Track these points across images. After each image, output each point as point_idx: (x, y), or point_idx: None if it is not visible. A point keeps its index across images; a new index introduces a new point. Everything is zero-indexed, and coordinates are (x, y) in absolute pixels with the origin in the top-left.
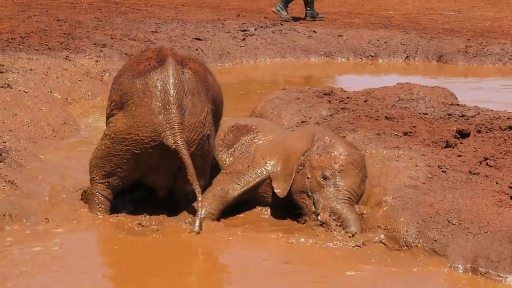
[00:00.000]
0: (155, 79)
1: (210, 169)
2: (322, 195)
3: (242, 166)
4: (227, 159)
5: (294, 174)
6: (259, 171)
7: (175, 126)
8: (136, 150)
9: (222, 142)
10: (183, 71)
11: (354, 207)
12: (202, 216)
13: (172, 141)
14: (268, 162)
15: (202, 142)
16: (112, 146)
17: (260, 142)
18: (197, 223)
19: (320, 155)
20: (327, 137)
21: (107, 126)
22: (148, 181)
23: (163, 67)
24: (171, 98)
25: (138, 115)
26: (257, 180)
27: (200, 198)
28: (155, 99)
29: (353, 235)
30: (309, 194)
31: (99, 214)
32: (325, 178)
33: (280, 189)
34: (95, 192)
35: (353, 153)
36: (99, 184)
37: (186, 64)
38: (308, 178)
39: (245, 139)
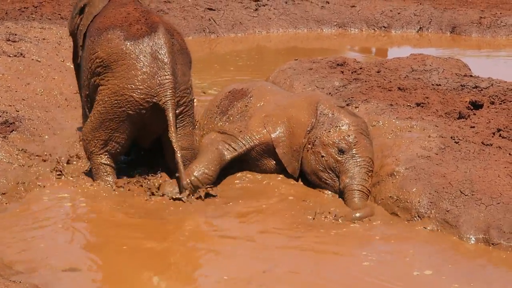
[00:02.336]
0: (149, 44)
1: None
2: (344, 170)
3: (237, 129)
4: (222, 124)
5: (301, 150)
6: (255, 136)
7: (168, 89)
8: (131, 111)
9: (218, 108)
10: (172, 42)
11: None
12: (193, 179)
13: (163, 101)
14: (272, 133)
15: (189, 105)
16: (106, 111)
17: (258, 106)
18: (181, 192)
19: (329, 131)
20: (329, 111)
21: (91, 88)
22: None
23: (156, 34)
24: (166, 65)
25: (132, 77)
26: (251, 144)
27: (179, 155)
28: (148, 63)
29: None
30: (328, 171)
31: (108, 183)
32: (341, 152)
33: (291, 169)
34: (98, 164)
35: (359, 123)
36: (100, 155)
37: (173, 34)
38: (323, 156)
39: (240, 104)
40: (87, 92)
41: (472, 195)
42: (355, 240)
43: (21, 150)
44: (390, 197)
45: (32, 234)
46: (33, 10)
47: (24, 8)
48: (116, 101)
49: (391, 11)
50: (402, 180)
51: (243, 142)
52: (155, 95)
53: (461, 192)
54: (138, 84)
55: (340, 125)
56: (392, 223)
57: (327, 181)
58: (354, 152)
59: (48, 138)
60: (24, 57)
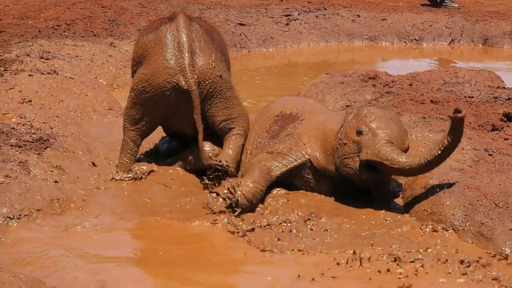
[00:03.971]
0: (166, 30)
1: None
2: (362, 148)
3: (284, 148)
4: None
5: (334, 152)
6: (300, 153)
7: (186, 68)
8: (155, 95)
9: (267, 133)
10: (190, 23)
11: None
12: (240, 194)
13: (184, 81)
14: (308, 145)
15: (216, 81)
16: (136, 96)
17: (303, 127)
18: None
19: (351, 121)
20: (356, 109)
21: None
22: (174, 127)
23: (173, 20)
24: (181, 45)
25: (153, 63)
26: (298, 161)
27: (201, 135)
28: (167, 47)
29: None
30: (351, 156)
31: (126, 160)
32: (360, 133)
33: (325, 171)
34: (127, 138)
35: (384, 110)
36: (130, 131)
37: (194, 19)
38: (345, 144)
39: (290, 127)
40: None
41: (507, 207)
42: None
43: (56, 166)
44: (424, 210)
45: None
46: (66, 28)
47: (57, 26)
48: (142, 88)
49: (422, 23)
50: (436, 193)
51: (293, 158)
52: (174, 75)
53: (495, 204)
54: (158, 68)
55: (361, 113)
56: None
57: (352, 167)
58: (372, 130)
59: (82, 154)
60: (57, 74)
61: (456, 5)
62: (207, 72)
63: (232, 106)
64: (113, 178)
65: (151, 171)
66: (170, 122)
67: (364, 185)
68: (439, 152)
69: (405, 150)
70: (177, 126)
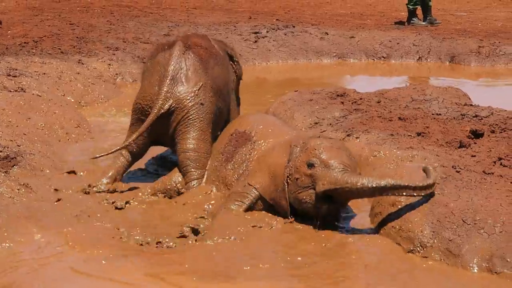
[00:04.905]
0: (160, 58)
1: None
2: (317, 181)
3: (241, 185)
4: (228, 175)
5: (286, 188)
6: (253, 193)
7: (161, 94)
8: (142, 116)
9: (222, 155)
10: (184, 52)
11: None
12: None
13: (154, 105)
14: (258, 185)
15: (195, 108)
16: (131, 117)
17: (259, 153)
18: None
19: (300, 155)
20: (301, 140)
21: None
22: (163, 144)
23: (170, 49)
24: (167, 73)
25: (142, 87)
26: (254, 201)
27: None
28: (156, 74)
29: None
30: (305, 190)
31: (112, 171)
32: (311, 166)
33: (281, 210)
34: (118, 153)
35: (329, 140)
36: (125, 147)
37: (192, 48)
38: (297, 178)
39: (244, 150)
40: None
41: (475, 224)
42: None
43: (23, 184)
44: (392, 227)
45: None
46: (33, 45)
47: (25, 43)
48: (134, 110)
49: (390, 41)
50: (404, 210)
51: (250, 196)
52: (152, 101)
53: (463, 221)
54: (144, 93)
55: (309, 145)
56: None
57: (307, 201)
58: (324, 162)
59: (49, 172)
60: (24, 91)
61: (424, 23)
62: (187, 98)
63: (201, 141)
64: (89, 185)
65: (130, 189)
66: (160, 143)
67: (320, 215)
68: (403, 185)
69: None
70: (164, 144)
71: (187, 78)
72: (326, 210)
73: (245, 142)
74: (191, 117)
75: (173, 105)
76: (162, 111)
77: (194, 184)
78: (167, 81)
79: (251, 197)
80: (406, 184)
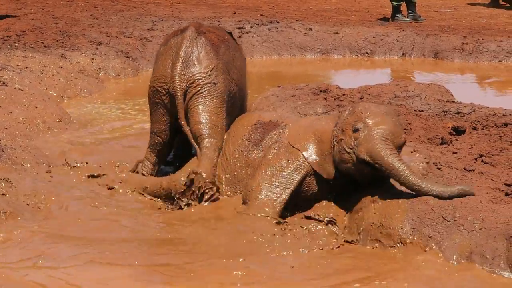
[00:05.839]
0: (173, 42)
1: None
2: (358, 146)
3: (281, 164)
4: (258, 156)
5: (332, 151)
6: (298, 163)
7: (175, 76)
8: (159, 101)
9: (248, 141)
10: (197, 37)
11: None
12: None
13: (171, 88)
14: (304, 152)
15: (206, 86)
16: (149, 106)
17: (290, 133)
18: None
19: (347, 118)
20: (350, 105)
21: None
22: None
23: (182, 33)
24: (178, 55)
25: (156, 71)
26: (300, 174)
27: (189, 133)
28: (168, 57)
29: None
30: (348, 152)
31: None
32: (356, 130)
33: (325, 173)
34: (144, 159)
35: (379, 105)
36: (148, 150)
37: (204, 33)
38: (342, 139)
39: (274, 134)
40: None
41: (455, 221)
42: None
43: (3, 179)
44: (373, 223)
45: None
46: (16, 39)
47: (7, 36)
48: (150, 95)
49: (374, 37)
50: (385, 206)
51: (294, 173)
52: (166, 83)
53: (443, 218)
54: (157, 76)
55: (357, 109)
56: None
57: (350, 163)
58: (368, 127)
59: (30, 167)
60: (6, 85)
61: (408, 19)
62: (200, 78)
63: (213, 115)
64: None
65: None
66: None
67: (365, 180)
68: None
69: (402, 145)
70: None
71: (199, 60)
72: (369, 175)
73: (274, 128)
74: (203, 94)
75: (187, 86)
76: (183, 91)
77: (207, 146)
78: (179, 63)
79: (296, 161)
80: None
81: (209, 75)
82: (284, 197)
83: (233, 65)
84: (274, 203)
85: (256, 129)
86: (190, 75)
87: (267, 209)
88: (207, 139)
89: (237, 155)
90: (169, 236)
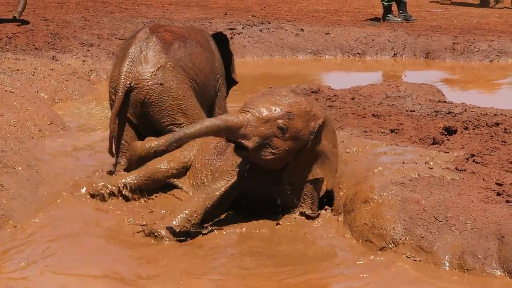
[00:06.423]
0: (125, 44)
1: None
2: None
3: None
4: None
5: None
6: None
7: (120, 74)
8: (111, 100)
9: (214, 149)
10: (148, 37)
11: None
12: None
13: (115, 85)
14: None
15: (154, 89)
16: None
17: None
18: None
19: None
20: None
21: None
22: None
23: (136, 34)
24: (127, 54)
25: (110, 72)
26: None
27: (110, 137)
28: (119, 58)
29: None
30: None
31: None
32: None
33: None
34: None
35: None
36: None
37: (157, 32)
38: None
39: None
40: None
41: (446, 221)
42: None
43: None
44: (365, 224)
45: None
46: (6, 41)
47: None
48: (108, 98)
49: (365, 37)
50: (376, 207)
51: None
52: (114, 81)
53: (435, 218)
54: (110, 76)
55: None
56: None
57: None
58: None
59: (22, 169)
60: None
61: (399, 20)
62: (144, 79)
63: (175, 114)
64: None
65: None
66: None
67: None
68: None
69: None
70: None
71: (146, 59)
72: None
73: None
74: (155, 96)
75: (132, 84)
76: (126, 89)
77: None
78: (126, 62)
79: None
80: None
81: (154, 75)
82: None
83: (190, 62)
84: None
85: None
86: (136, 73)
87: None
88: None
89: (204, 162)
90: None
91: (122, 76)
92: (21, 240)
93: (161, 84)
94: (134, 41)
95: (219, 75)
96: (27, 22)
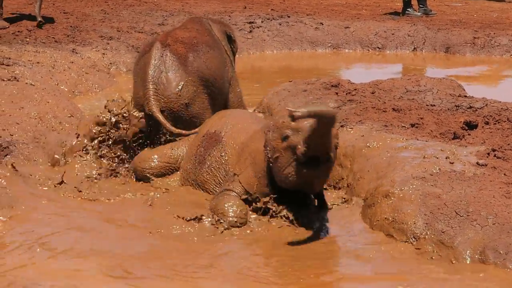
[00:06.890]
0: (142, 62)
1: None
2: (296, 145)
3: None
4: (202, 174)
5: (266, 172)
6: (238, 189)
7: (149, 98)
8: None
9: (195, 157)
10: (162, 53)
11: None
12: None
13: (148, 109)
14: (241, 176)
15: (181, 109)
16: None
17: (230, 152)
18: None
19: (274, 135)
20: (271, 123)
21: None
22: None
23: (149, 52)
24: (147, 76)
25: (133, 91)
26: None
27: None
28: (139, 78)
29: None
30: (289, 164)
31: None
32: (286, 138)
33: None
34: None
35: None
36: None
37: (169, 45)
38: (277, 157)
39: (215, 152)
40: None
41: (467, 216)
42: None
43: (16, 174)
44: (385, 218)
45: None
46: (27, 34)
47: (18, 32)
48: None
49: (385, 32)
50: (397, 202)
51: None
52: (142, 104)
53: (456, 212)
54: (134, 97)
55: (278, 122)
56: None
57: (293, 173)
58: (296, 131)
59: (42, 161)
60: (18, 81)
61: (419, 14)
62: (171, 101)
63: (189, 126)
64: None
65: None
66: None
67: (310, 185)
68: None
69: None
70: None
71: (168, 80)
72: (312, 176)
73: (215, 144)
74: (179, 117)
75: (163, 107)
76: (159, 111)
77: None
78: (150, 85)
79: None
80: None
81: (179, 96)
82: None
83: (206, 69)
84: None
85: (202, 143)
86: (163, 97)
87: None
88: None
89: (187, 169)
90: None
91: (152, 103)
92: (40, 231)
93: (186, 104)
94: (150, 60)
95: (228, 65)
96: (50, 19)
